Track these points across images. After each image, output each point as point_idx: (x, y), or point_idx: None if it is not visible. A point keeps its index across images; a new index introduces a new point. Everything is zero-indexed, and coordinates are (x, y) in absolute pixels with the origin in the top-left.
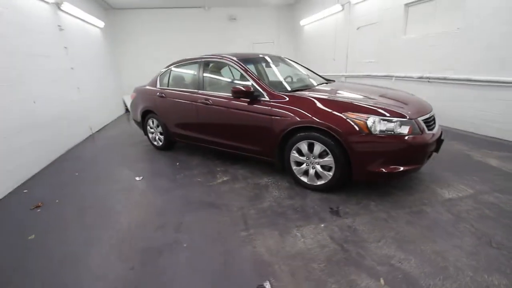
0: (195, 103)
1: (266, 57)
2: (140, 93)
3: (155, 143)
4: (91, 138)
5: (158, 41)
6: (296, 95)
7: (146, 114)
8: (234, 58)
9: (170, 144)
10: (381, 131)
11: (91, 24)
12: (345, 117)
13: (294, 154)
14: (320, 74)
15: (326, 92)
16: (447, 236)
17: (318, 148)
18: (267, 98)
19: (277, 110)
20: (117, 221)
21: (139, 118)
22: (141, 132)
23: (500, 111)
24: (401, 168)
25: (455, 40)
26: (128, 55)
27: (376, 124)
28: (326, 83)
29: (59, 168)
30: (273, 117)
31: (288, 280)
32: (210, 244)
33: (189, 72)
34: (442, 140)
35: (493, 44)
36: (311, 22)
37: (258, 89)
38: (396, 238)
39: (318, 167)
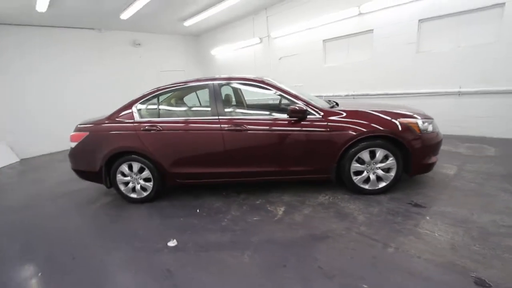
0: (220, 131)
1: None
2: (100, 131)
3: (134, 195)
4: None
5: (37, 68)
6: (348, 109)
7: (116, 159)
8: (266, 79)
9: (161, 192)
10: (422, 130)
11: None
12: (403, 123)
13: (355, 164)
14: None
15: (360, 106)
16: (493, 196)
17: (381, 153)
18: (318, 115)
19: (336, 125)
20: None
21: (98, 166)
22: (70, 187)
23: None
24: (436, 158)
25: (368, 67)
26: None
27: (423, 125)
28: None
29: None
30: (332, 132)
31: (482, 266)
32: (382, 273)
33: (195, 98)
34: None
35: (392, 69)
36: (223, 52)
37: (306, 108)
38: (476, 207)
39: (380, 171)
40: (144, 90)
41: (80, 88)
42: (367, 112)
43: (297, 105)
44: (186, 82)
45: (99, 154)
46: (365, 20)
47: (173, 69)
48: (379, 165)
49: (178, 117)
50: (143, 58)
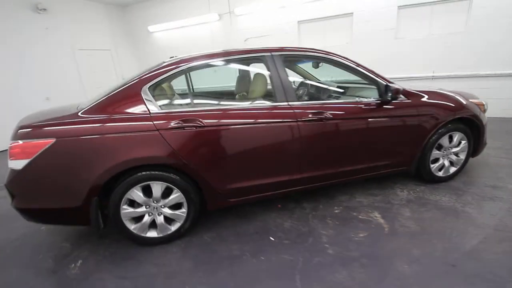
0: (295, 122)
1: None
2: (81, 135)
3: (153, 233)
4: None
5: None
6: (424, 90)
7: (121, 179)
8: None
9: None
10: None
11: None
12: (478, 104)
13: (435, 152)
14: None
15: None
16: None
17: (458, 137)
18: (404, 97)
19: (423, 107)
20: None
21: (80, 197)
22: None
23: None
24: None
25: (346, 51)
26: None
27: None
28: None
29: None
30: (420, 116)
31: None
32: None
33: (241, 77)
34: None
35: (372, 55)
36: (167, 29)
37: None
38: None
39: (453, 156)
40: (56, 73)
41: None
42: (447, 93)
43: (394, 85)
44: (229, 53)
45: (85, 176)
46: (345, 2)
47: (94, 47)
48: (454, 149)
49: (226, 105)
50: (51, 31)
